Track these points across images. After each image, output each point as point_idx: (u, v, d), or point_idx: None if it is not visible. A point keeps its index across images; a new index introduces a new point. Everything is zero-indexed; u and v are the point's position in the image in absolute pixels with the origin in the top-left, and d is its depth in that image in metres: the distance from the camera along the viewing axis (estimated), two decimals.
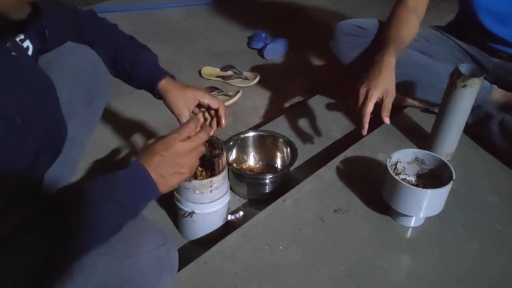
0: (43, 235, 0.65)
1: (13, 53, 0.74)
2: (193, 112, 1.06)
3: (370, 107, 1.11)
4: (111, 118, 1.61)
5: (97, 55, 1.04)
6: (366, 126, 1.11)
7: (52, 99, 0.87)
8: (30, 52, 0.84)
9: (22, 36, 0.81)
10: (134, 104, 1.65)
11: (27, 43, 0.83)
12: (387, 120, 1.13)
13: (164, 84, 1.03)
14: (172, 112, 1.04)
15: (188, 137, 0.80)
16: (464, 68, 1.15)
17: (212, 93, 1.76)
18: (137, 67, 1.02)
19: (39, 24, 0.87)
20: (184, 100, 1.02)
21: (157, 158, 0.76)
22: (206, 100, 1.04)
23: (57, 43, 0.99)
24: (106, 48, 1.03)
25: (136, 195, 0.74)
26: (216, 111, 1.06)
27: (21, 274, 0.62)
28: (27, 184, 0.82)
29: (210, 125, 1.07)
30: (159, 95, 1.04)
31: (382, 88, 1.12)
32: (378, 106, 1.14)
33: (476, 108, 1.30)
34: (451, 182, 1.00)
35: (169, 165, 0.77)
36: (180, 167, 0.78)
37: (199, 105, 1.07)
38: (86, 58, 1.02)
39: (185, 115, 1.03)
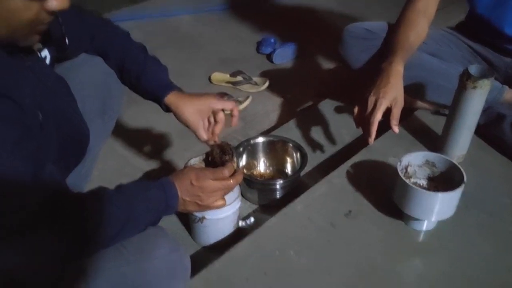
0: (65, 228, 0.70)
1: (27, 63, 0.76)
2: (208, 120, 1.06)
3: (378, 116, 1.12)
4: (122, 125, 1.63)
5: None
6: (373, 134, 1.12)
7: (71, 101, 0.90)
8: (47, 61, 0.87)
9: (40, 45, 0.84)
10: (145, 111, 1.65)
11: (45, 53, 0.86)
12: (396, 129, 1.15)
13: (172, 98, 1.02)
14: (187, 126, 1.03)
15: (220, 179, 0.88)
16: (474, 69, 1.14)
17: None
18: (143, 79, 1.02)
19: (58, 32, 0.89)
20: (198, 112, 1.02)
21: (187, 183, 0.85)
22: (220, 105, 1.04)
23: (75, 52, 1.01)
24: (114, 58, 1.03)
25: (161, 204, 0.82)
26: (231, 112, 1.06)
27: (46, 260, 0.67)
28: None
29: (212, 131, 1.06)
30: (166, 109, 1.04)
31: (390, 97, 1.13)
32: (386, 113, 1.14)
33: (487, 109, 1.29)
34: (463, 185, 0.99)
35: (192, 194, 0.85)
36: (200, 200, 0.87)
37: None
38: (100, 70, 1.03)
39: (201, 129, 1.03)
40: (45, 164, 0.71)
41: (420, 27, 1.32)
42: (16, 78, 0.69)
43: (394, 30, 1.35)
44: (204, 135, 1.03)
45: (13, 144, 0.64)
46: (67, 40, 0.92)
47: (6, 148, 0.63)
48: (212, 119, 1.07)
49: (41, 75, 0.79)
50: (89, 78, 1.02)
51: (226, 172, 0.89)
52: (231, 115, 1.06)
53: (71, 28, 0.93)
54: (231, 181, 0.89)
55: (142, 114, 1.67)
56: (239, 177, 0.91)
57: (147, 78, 1.02)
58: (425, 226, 1.07)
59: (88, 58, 1.03)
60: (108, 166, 1.44)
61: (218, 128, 1.06)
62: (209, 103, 1.03)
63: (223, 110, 1.05)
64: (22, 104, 0.67)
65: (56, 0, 0.66)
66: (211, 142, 1.04)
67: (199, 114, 1.02)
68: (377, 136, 1.19)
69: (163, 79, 1.04)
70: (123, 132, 1.59)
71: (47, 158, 0.74)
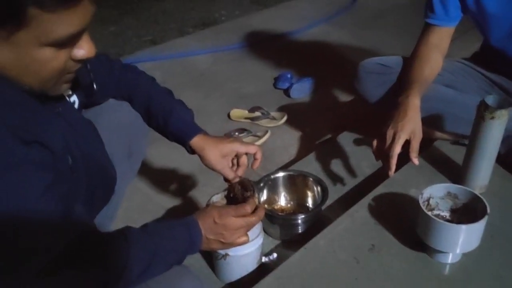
0: (92, 267, 0.72)
1: (58, 109, 0.80)
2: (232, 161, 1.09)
3: (397, 149, 1.14)
4: (145, 163, 1.66)
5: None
6: (393, 167, 1.14)
7: (99, 144, 0.93)
8: (76, 106, 0.90)
9: (69, 92, 0.87)
10: (166, 149, 1.68)
11: (73, 98, 0.89)
12: (416, 161, 1.16)
13: (197, 142, 1.04)
14: (213, 169, 1.05)
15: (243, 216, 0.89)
16: (490, 100, 1.14)
17: (241, 135, 1.81)
18: (169, 123, 1.04)
19: (87, 79, 0.92)
20: (222, 156, 1.04)
21: (210, 221, 0.86)
22: (243, 149, 1.06)
23: (102, 98, 1.04)
24: (140, 103, 1.07)
25: (185, 243, 0.83)
26: (254, 155, 1.08)
27: None
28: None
29: (236, 171, 1.08)
30: (191, 151, 1.06)
31: (408, 130, 1.15)
32: (405, 145, 1.16)
33: (507, 138, 1.28)
34: (486, 217, 0.99)
35: (215, 232, 0.86)
36: (223, 238, 0.87)
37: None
38: (126, 113, 1.06)
39: (227, 169, 1.05)
40: (75, 206, 0.74)
41: (433, 61, 1.35)
42: (48, 124, 0.72)
43: (408, 65, 1.38)
44: (231, 174, 1.05)
45: (45, 188, 0.67)
46: (95, 86, 0.96)
47: (38, 192, 0.65)
48: (235, 161, 1.10)
49: (71, 120, 0.83)
50: (116, 121, 1.05)
51: (248, 208, 0.90)
52: (254, 158, 1.09)
53: (99, 75, 0.97)
54: (254, 217, 0.91)
55: (163, 152, 1.70)
56: (261, 213, 0.92)
57: (173, 122, 1.04)
58: (450, 258, 1.05)
59: (113, 103, 1.06)
60: (132, 204, 1.46)
61: (240, 171, 1.08)
62: (233, 147, 1.05)
63: (246, 154, 1.08)
64: (53, 150, 0.70)
65: (83, 48, 0.68)
66: (236, 180, 1.06)
67: (224, 158, 1.04)
68: (397, 168, 1.20)
69: (189, 122, 1.07)
70: (145, 170, 1.62)
71: (77, 200, 0.77)
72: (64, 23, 0.62)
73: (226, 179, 1.07)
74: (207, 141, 1.04)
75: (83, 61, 0.71)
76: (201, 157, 1.05)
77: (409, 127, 1.15)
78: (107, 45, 2.75)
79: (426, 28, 1.41)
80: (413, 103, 1.20)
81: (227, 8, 3.36)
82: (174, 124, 1.05)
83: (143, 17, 3.19)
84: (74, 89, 0.88)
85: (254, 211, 0.92)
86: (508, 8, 1.29)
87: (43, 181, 0.67)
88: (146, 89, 1.07)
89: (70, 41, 0.66)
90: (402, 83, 1.33)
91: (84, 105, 0.96)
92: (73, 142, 0.79)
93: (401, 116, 1.18)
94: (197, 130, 1.05)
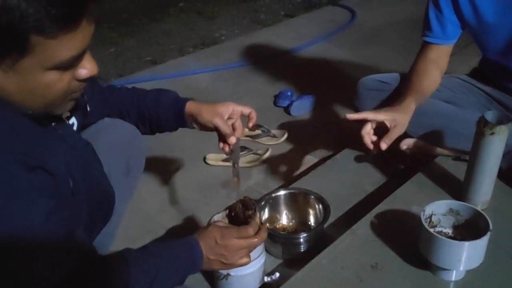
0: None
1: (59, 131, 0.81)
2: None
3: (367, 128, 1.12)
4: (144, 183, 1.66)
5: (132, 127, 1.10)
6: (369, 146, 1.12)
7: (98, 165, 0.94)
8: (75, 127, 0.91)
9: (68, 114, 0.88)
10: (168, 168, 1.70)
11: (72, 120, 0.91)
12: (383, 145, 1.14)
13: (190, 107, 1.06)
14: (209, 128, 1.06)
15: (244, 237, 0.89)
16: (490, 115, 1.15)
17: (242, 153, 1.81)
18: (160, 109, 1.07)
19: (82, 100, 0.94)
20: (217, 114, 1.05)
21: (211, 242, 0.86)
22: (239, 107, 1.08)
23: (96, 117, 1.06)
24: (131, 108, 1.09)
25: (186, 264, 0.83)
26: (248, 115, 1.10)
27: None
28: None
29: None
30: (190, 123, 1.08)
31: (390, 116, 1.13)
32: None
33: (508, 153, 1.28)
34: (488, 233, 0.98)
35: (217, 253, 0.86)
36: (225, 258, 0.87)
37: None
38: (122, 131, 1.08)
39: (225, 125, 1.05)
40: (76, 229, 0.74)
41: (432, 76, 1.36)
42: (51, 148, 0.73)
43: (407, 79, 1.38)
44: (228, 129, 1.05)
45: (47, 213, 0.67)
46: (88, 108, 0.97)
47: (41, 218, 0.66)
48: (230, 125, 1.09)
49: (71, 142, 0.84)
50: (112, 139, 1.06)
51: (251, 230, 0.90)
52: (249, 118, 1.10)
53: (92, 96, 0.99)
54: (256, 239, 0.90)
55: (163, 171, 1.71)
56: (264, 235, 0.92)
57: (162, 106, 1.07)
58: (453, 276, 1.04)
59: (109, 121, 1.08)
60: (132, 224, 1.45)
61: (237, 134, 1.08)
62: (228, 104, 1.07)
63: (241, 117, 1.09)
64: (56, 174, 0.71)
65: (86, 68, 0.70)
66: (234, 140, 1.06)
67: (219, 115, 1.05)
68: (399, 185, 1.19)
69: (176, 97, 1.10)
70: (145, 190, 1.62)
71: (78, 222, 0.77)
72: (66, 47, 0.64)
73: (221, 140, 1.07)
74: (202, 104, 1.07)
75: (87, 80, 0.72)
76: (198, 118, 1.05)
77: (392, 114, 1.14)
78: (108, 66, 2.77)
79: (424, 45, 1.42)
80: (406, 105, 1.20)
81: (227, 27, 3.40)
82: (164, 107, 1.07)
83: (143, 38, 3.23)
84: (72, 111, 0.89)
85: (257, 232, 0.91)
86: (506, 17, 1.30)
87: (46, 206, 0.68)
88: (130, 96, 1.11)
89: (73, 63, 0.67)
90: (399, 94, 1.33)
91: (81, 126, 0.97)
92: (73, 164, 0.80)
93: (390, 108, 1.17)
94: (187, 99, 1.08)
